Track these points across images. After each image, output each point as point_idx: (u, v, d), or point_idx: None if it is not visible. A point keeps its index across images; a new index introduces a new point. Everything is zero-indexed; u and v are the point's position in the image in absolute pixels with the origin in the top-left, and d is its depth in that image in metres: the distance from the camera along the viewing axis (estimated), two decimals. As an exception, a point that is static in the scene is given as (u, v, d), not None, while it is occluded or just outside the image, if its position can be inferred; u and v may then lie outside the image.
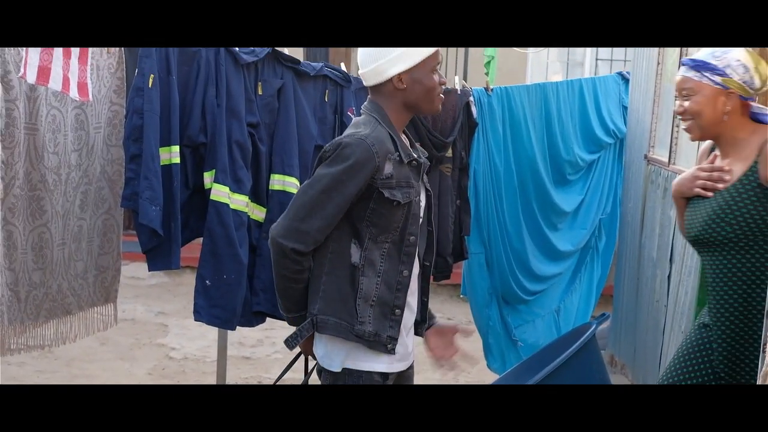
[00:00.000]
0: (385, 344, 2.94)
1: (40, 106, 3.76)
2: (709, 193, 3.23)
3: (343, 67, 4.97)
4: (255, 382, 6.04)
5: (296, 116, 4.48)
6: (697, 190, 3.27)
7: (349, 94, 4.80)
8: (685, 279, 4.41)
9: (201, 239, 4.25)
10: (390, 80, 2.97)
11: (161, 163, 3.96)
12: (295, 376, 3.49)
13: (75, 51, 3.49)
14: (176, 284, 8.58)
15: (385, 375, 2.98)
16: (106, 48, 4.05)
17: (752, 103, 3.22)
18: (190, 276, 6.33)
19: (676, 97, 3.34)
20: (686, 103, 3.21)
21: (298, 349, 3.15)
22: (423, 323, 3.21)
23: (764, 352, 2.25)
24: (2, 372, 5.41)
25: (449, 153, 5.01)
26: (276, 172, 4.43)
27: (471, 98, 5.17)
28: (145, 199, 3.86)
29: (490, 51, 7.37)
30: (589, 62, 10.60)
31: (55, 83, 3.40)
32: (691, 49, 4.46)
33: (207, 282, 4.20)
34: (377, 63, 2.96)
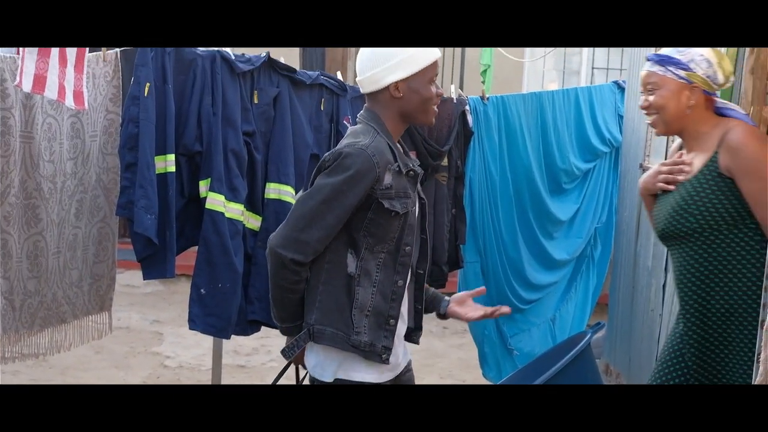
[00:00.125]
0: (380, 354, 2.94)
1: (35, 115, 3.75)
2: (671, 187, 3.28)
3: (339, 75, 4.98)
4: (250, 391, 6.03)
5: (292, 125, 4.48)
6: (660, 184, 3.33)
7: (345, 102, 4.81)
8: (680, 288, 4.41)
9: (196, 248, 4.25)
10: (387, 88, 2.96)
11: (156, 172, 3.95)
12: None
13: (71, 59, 3.48)
14: (171, 292, 8.57)
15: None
16: (102, 56, 4.05)
17: (716, 98, 3.24)
18: (186, 284, 6.32)
19: (641, 92, 3.36)
20: (651, 98, 3.25)
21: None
22: (418, 330, 3.20)
23: (758, 362, 2.25)
24: (-3, 380, 5.40)
25: (445, 162, 5.02)
26: (271, 180, 4.42)
27: (467, 107, 5.17)
28: (141, 207, 3.85)
29: (486, 59, 7.38)
30: (585, 71, 10.61)
31: (50, 92, 3.40)
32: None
33: (202, 291, 4.19)
34: (375, 70, 2.95)
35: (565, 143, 5.82)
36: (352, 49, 7.77)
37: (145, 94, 3.87)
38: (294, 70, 4.53)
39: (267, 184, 4.43)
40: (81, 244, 4.11)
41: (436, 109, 3.06)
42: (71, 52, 3.44)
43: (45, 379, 6.00)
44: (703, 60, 3.16)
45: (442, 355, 7.18)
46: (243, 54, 4.37)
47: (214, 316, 4.22)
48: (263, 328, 4.53)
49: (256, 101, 4.35)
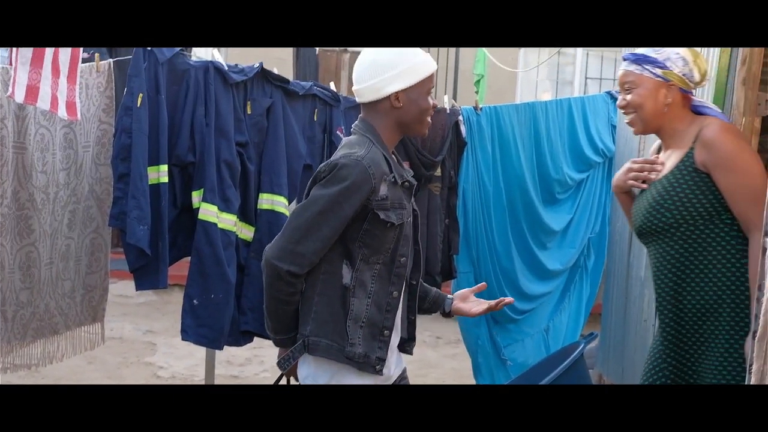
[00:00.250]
0: (374, 365, 2.93)
1: (28, 125, 3.75)
2: (643, 185, 3.32)
3: (332, 86, 4.99)
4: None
5: (285, 135, 4.48)
6: (630, 182, 3.37)
7: (338, 113, 4.81)
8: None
9: (189, 258, 4.24)
10: (387, 98, 2.96)
11: (149, 183, 3.95)
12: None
13: (64, 70, 3.48)
14: (164, 302, 8.56)
15: None
16: (95, 66, 4.05)
17: (693, 97, 3.26)
18: (179, 294, 6.31)
19: (618, 91, 3.38)
20: (628, 97, 3.27)
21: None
22: (411, 341, 3.20)
23: (749, 372, 2.25)
24: (-11, 391, 5.38)
25: (438, 172, 5.02)
26: (264, 191, 4.42)
27: (460, 117, 5.18)
28: (133, 218, 3.84)
29: (479, 69, 7.40)
30: (579, 81, 10.64)
31: (43, 102, 3.39)
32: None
33: (194, 301, 4.19)
34: (376, 79, 2.95)
35: (558, 153, 5.83)
36: (346, 59, 7.78)
37: (138, 105, 3.87)
38: (287, 81, 4.54)
39: (260, 194, 4.43)
40: (74, 255, 4.11)
41: (429, 120, 3.07)
42: (64, 62, 3.43)
43: (37, 390, 5.97)
44: (679, 58, 3.18)
45: (436, 365, 7.18)
46: (236, 65, 4.37)
47: (206, 327, 4.21)
48: (256, 338, 4.53)
49: (249, 112, 4.35)
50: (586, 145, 6.02)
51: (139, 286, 4.12)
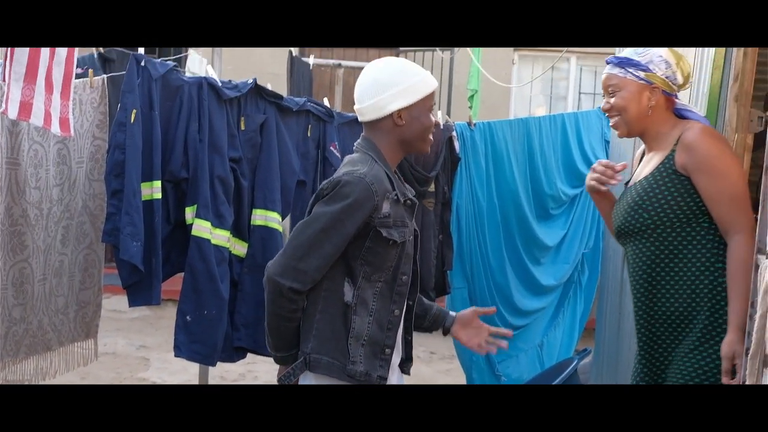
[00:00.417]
0: (375, 384, 2.93)
1: (22, 141, 3.75)
2: (603, 187, 3.40)
3: (326, 101, 4.99)
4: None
5: (279, 151, 4.48)
6: (591, 183, 3.44)
7: (332, 129, 4.81)
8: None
9: (183, 273, 4.24)
10: (390, 116, 2.96)
11: (143, 198, 3.95)
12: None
13: (57, 86, 3.47)
14: (158, 317, 8.54)
15: None
16: (89, 82, 4.05)
17: (676, 100, 3.27)
18: (172, 309, 6.29)
19: (602, 95, 3.40)
20: (612, 100, 3.28)
21: None
22: (408, 361, 3.19)
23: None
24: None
25: (432, 188, 5.03)
26: (258, 207, 4.42)
27: (454, 133, 5.19)
28: (126, 234, 3.84)
29: (473, 85, 7.41)
30: (573, 96, 10.67)
31: (36, 119, 3.38)
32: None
33: (188, 317, 4.18)
34: (378, 98, 2.94)
35: (551, 169, 5.84)
36: (340, 74, 7.79)
37: (132, 121, 3.87)
38: (281, 97, 4.54)
39: (253, 210, 4.43)
40: (67, 271, 4.10)
41: (432, 138, 3.07)
42: (57, 78, 3.43)
43: (30, 406, 5.95)
44: (662, 61, 3.20)
45: (430, 381, 7.17)
46: (230, 81, 4.38)
47: (199, 343, 4.20)
48: (249, 354, 4.52)
49: (242, 128, 4.36)
50: (579, 160, 6.03)
51: (133, 302, 4.11)
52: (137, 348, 7.71)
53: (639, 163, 3.44)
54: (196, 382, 5.37)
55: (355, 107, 3.02)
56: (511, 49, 10.39)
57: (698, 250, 3.12)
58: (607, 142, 6.15)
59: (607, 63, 3.31)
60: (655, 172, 3.20)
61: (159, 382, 6.74)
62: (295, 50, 7.11)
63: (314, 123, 4.74)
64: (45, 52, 3.22)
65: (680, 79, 3.24)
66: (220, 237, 4.22)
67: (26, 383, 4.03)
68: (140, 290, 4.05)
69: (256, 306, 4.38)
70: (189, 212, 4.15)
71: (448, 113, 8.30)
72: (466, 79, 7.71)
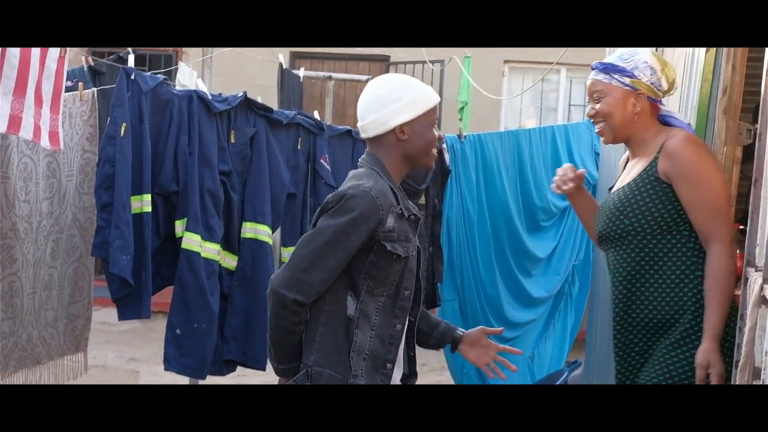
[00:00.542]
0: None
1: (11, 154, 3.74)
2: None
3: (316, 114, 4.99)
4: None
5: (269, 164, 4.48)
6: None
7: (322, 142, 4.81)
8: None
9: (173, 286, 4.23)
10: (393, 131, 2.96)
11: (132, 212, 3.94)
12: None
13: (47, 99, 3.47)
14: (148, 330, 8.51)
15: None
16: (79, 95, 4.05)
17: (661, 106, 3.29)
18: (162, 322, 6.26)
19: (588, 102, 3.41)
20: (597, 106, 3.29)
21: None
22: (412, 376, 3.19)
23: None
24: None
25: (422, 200, 5.03)
26: (248, 219, 4.42)
27: (444, 145, 5.20)
28: (116, 248, 3.83)
29: (463, 97, 7.42)
30: (563, 108, 10.70)
31: (26, 132, 3.38)
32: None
33: (177, 331, 4.17)
34: (380, 113, 2.94)
35: (542, 181, 5.85)
36: (330, 86, 7.80)
37: (122, 134, 3.86)
38: (271, 110, 4.55)
39: (243, 223, 4.42)
40: (56, 285, 4.09)
41: (435, 152, 3.08)
42: (47, 92, 3.43)
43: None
44: (647, 67, 3.21)
45: (421, 393, 7.15)
46: (220, 94, 4.38)
47: (189, 357, 4.19)
48: (239, 367, 4.51)
49: (232, 141, 4.35)
50: (569, 172, 6.04)
51: (122, 316, 4.10)
52: (127, 361, 7.69)
53: (623, 169, 3.45)
54: (187, 396, 5.35)
55: (358, 124, 3.02)
56: (501, 61, 10.41)
57: (678, 258, 3.13)
58: (597, 154, 6.17)
59: (593, 69, 3.31)
60: (638, 179, 3.20)
61: (149, 395, 6.72)
62: (285, 62, 7.11)
63: (304, 136, 4.75)
64: (35, 65, 3.22)
65: (665, 85, 3.25)
66: (210, 250, 4.21)
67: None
68: (130, 304, 4.04)
69: (245, 319, 4.37)
70: (179, 225, 4.14)
71: (439, 125, 8.31)
72: (456, 91, 7.73)
